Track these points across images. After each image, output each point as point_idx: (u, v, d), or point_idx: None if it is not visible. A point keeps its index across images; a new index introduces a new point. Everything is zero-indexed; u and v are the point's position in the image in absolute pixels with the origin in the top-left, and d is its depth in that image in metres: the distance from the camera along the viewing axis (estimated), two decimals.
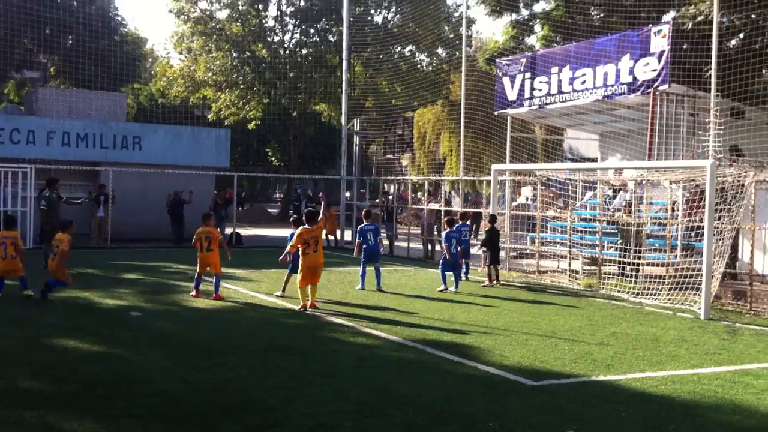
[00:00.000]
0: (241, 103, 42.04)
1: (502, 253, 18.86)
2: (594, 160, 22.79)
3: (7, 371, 8.03)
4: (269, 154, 49.98)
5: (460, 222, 17.75)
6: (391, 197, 27.21)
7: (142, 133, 27.60)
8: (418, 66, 38.49)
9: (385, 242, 25.27)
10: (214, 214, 25.94)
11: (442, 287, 15.64)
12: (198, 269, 13.78)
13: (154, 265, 18.73)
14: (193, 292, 13.80)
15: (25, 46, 36.89)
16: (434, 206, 24.15)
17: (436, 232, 23.61)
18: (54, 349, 9.31)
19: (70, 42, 36.43)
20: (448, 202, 25.02)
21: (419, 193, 33.76)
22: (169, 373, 8.23)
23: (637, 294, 15.09)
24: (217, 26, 41.87)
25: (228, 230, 25.63)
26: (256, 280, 16.40)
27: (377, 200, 27.82)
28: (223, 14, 42.83)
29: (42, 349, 9.25)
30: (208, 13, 42.07)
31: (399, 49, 38.70)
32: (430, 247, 23.58)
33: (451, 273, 15.95)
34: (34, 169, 22.47)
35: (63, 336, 10.00)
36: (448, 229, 16.34)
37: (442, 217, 22.67)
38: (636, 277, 15.75)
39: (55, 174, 24.36)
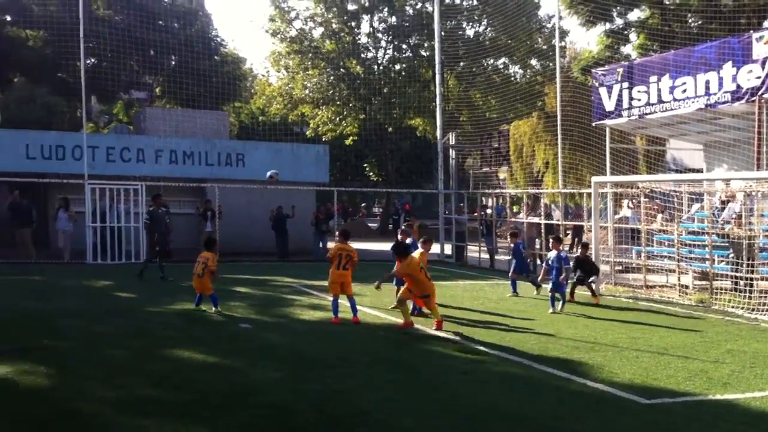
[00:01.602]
0: (337, 119, 42.68)
1: (606, 267, 18.52)
2: (699, 170, 22.06)
3: (126, 380, 8.38)
4: (367, 168, 50.50)
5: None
6: (489, 211, 27.04)
7: (245, 150, 28.41)
8: (512, 78, 38.20)
9: (485, 256, 25.19)
10: (315, 229, 26.64)
11: (551, 310, 14.75)
12: (331, 290, 13.01)
13: (262, 279, 19.19)
14: (333, 318, 12.75)
15: (132, 68, 38.53)
16: (534, 219, 23.88)
17: (537, 246, 23.36)
18: (170, 359, 9.68)
19: (174, 63, 37.87)
20: (548, 216, 24.71)
21: (515, 208, 33.40)
22: (279, 385, 8.43)
23: (753, 310, 14.47)
24: (312, 44, 42.69)
25: (329, 245, 26.04)
26: (360, 293, 16.54)
27: (475, 214, 27.71)
28: (317, 33, 43.67)
29: (159, 359, 9.61)
30: (302, 32, 42.94)
31: (492, 61, 38.52)
32: (530, 261, 23.31)
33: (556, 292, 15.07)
34: (145, 186, 23.41)
35: (178, 347, 10.38)
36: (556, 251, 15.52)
37: (542, 230, 22.47)
38: (750, 292, 15.13)
39: (164, 191, 25.39)
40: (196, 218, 25.76)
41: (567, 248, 22.57)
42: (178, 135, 28.47)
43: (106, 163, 25.80)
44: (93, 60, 35.83)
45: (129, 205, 23.20)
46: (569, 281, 15.55)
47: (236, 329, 12.01)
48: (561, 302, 14.78)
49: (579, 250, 17.39)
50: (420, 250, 13.43)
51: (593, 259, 17.47)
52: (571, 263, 15.87)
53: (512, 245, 17.91)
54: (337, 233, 14.69)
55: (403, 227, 16.86)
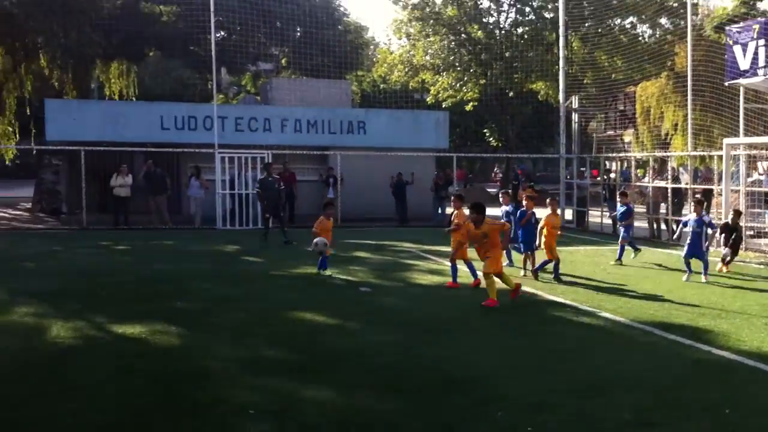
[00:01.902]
0: (458, 85, 42.41)
1: None
2: None
3: (252, 340, 8.79)
4: (487, 134, 50.06)
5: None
6: (613, 175, 26.32)
7: (366, 118, 28.73)
8: (640, 38, 36.72)
9: (608, 221, 24.59)
10: (435, 195, 26.77)
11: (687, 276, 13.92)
12: (458, 256, 12.78)
13: (382, 244, 19.50)
14: (450, 282, 12.86)
15: (259, 40, 39.53)
16: (660, 183, 23.07)
17: (662, 210, 22.60)
18: (294, 321, 10.05)
19: (299, 34, 38.60)
20: (676, 179, 23.78)
21: (639, 172, 32.28)
22: (396, 346, 8.61)
23: None
24: (434, 11, 42.43)
25: (448, 210, 26.13)
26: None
27: (598, 178, 27.03)
28: None
29: (282, 321, 9.99)
30: None
31: (619, 21, 37.12)
32: (655, 226, 22.62)
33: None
34: (271, 155, 24.13)
35: (301, 309, 10.73)
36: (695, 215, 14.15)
37: (669, 194, 21.65)
38: None
39: (288, 159, 26.11)
40: (320, 185, 26.40)
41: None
42: (302, 104, 29.10)
43: (235, 132, 26.71)
44: (223, 33, 37.07)
45: (256, 173, 23.98)
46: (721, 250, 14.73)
47: (356, 293, 12.30)
48: (703, 270, 13.74)
49: (731, 217, 16.10)
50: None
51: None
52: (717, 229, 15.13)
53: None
54: (452, 198, 14.76)
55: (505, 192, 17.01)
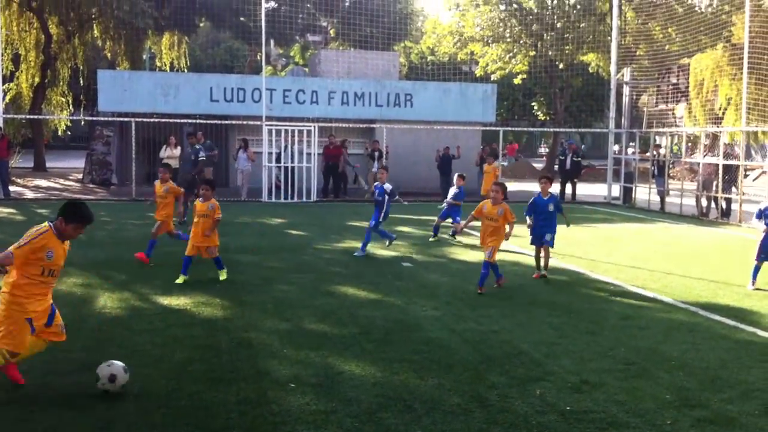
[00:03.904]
0: (507, 57, 41.89)
1: None
2: None
3: (294, 313, 8.92)
4: (535, 108, 49.49)
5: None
6: (663, 150, 25.87)
7: (413, 90, 28.65)
8: (696, 8, 35.78)
9: (656, 197, 24.22)
10: (480, 169, 26.61)
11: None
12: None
13: (425, 219, 19.51)
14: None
15: (308, 11, 39.58)
16: (711, 160, 22.61)
17: (714, 188, 22.17)
18: (336, 295, 10.15)
19: (347, 4, 38.52)
20: (728, 156, 23.27)
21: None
22: (437, 322, 8.67)
23: None
24: None
25: None
26: (525, 235, 16.49)
27: (647, 153, 26.60)
28: None
29: (325, 294, 10.11)
30: None
31: None
32: (705, 203, 22.21)
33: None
34: (318, 128, 24.23)
35: (344, 283, 10.85)
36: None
37: (720, 170, 21.19)
38: None
39: (335, 131, 26.16)
40: (365, 158, 26.45)
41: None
42: (350, 77, 29.13)
43: (283, 105, 26.89)
44: (273, 4, 37.18)
45: (302, 146, 24.11)
46: None
47: (398, 268, 12.37)
48: None
49: None
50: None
51: None
52: None
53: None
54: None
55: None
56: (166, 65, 36.91)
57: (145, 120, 24.52)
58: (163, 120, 24.87)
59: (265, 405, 5.92)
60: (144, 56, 39.15)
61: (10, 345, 6.04)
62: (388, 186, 13.61)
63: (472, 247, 14.30)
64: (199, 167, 20.56)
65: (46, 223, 6.15)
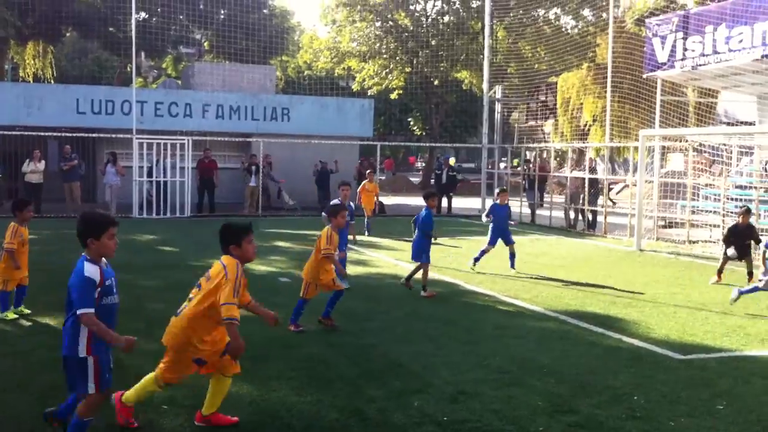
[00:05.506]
0: (384, 72, 42.44)
1: (649, 222, 18.22)
2: (751, 123, 21.51)
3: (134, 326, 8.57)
4: (411, 123, 50.32)
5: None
6: (532, 165, 26.78)
7: (290, 104, 28.51)
8: (563, 29, 37.42)
9: (527, 210, 25.03)
10: (358, 184, 26.71)
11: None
12: None
13: (303, 233, 19.35)
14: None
15: (181, 23, 38.73)
16: (578, 174, 23.60)
17: (581, 202, 23.14)
18: None
19: (222, 17, 37.96)
20: (593, 170, 24.36)
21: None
22: (316, 338, 8.59)
23: None
24: None
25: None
26: (399, 248, 16.66)
27: (518, 168, 27.49)
28: None
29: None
30: None
31: (543, 12, 37.74)
32: (573, 215, 23.13)
33: None
34: (191, 141, 23.67)
35: None
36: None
37: (586, 184, 22.11)
38: None
39: (210, 145, 25.63)
40: (241, 173, 26.04)
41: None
42: (225, 90, 28.67)
43: (154, 117, 26.14)
44: (143, 15, 36.13)
45: (175, 160, 23.49)
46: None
47: (277, 283, 12.20)
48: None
49: (740, 218, 12.89)
50: None
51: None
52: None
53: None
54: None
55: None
56: (29, 76, 35.23)
57: (6, 133, 23.26)
58: (26, 133, 23.66)
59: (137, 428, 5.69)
60: (6, 66, 37.22)
61: None
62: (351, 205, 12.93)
63: (355, 262, 14.27)
64: None
65: None
